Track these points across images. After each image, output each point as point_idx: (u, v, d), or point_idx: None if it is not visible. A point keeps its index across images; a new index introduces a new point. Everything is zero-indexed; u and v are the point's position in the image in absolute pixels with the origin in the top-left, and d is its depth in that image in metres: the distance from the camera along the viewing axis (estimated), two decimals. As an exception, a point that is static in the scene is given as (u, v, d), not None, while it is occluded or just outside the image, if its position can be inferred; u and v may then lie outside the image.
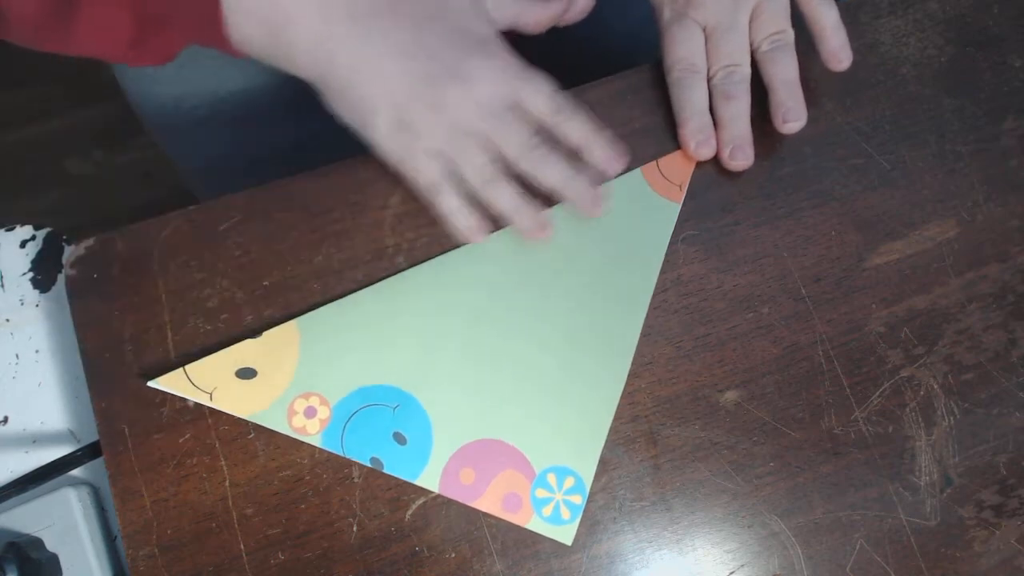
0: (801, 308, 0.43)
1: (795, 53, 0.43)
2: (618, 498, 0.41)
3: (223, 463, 0.40)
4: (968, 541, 0.41)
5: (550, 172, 0.40)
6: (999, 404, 0.42)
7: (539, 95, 0.40)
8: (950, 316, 0.43)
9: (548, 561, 0.40)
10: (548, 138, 0.40)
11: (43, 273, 0.48)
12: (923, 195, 0.44)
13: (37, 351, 0.50)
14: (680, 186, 0.43)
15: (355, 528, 0.40)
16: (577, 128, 0.40)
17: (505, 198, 0.40)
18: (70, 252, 0.43)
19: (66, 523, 0.47)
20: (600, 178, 0.41)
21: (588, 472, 0.41)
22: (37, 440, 0.50)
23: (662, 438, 0.41)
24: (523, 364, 0.41)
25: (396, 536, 0.40)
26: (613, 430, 0.41)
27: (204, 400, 0.40)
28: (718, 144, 0.43)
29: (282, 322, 0.41)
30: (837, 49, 0.42)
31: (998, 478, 0.41)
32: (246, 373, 0.40)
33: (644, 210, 0.43)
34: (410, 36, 0.39)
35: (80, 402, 0.47)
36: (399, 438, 0.40)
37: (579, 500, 0.40)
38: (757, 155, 0.43)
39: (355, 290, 0.42)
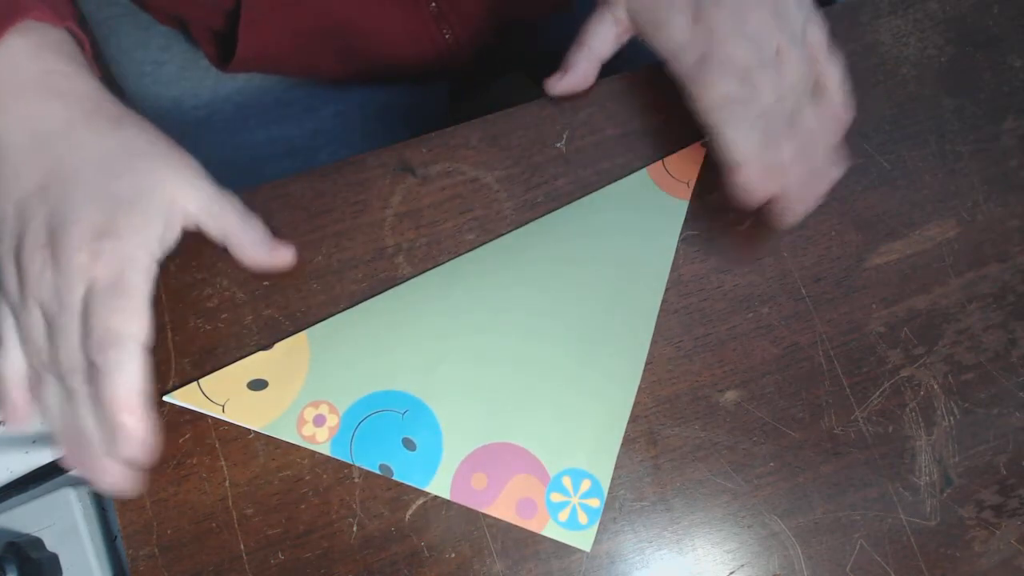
0: (801, 308, 0.43)
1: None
2: (618, 498, 0.41)
3: (223, 463, 0.40)
4: (968, 541, 0.41)
5: (79, 418, 0.34)
6: (999, 404, 0.42)
7: (104, 313, 0.33)
8: (950, 316, 0.43)
9: (548, 561, 0.40)
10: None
11: (43, 273, 0.48)
12: (923, 195, 0.44)
13: (37, 351, 0.50)
14: (688, 183, 0.43)
15: (355, 528, 0.40)
16: (104, 387, 0.33)
17: (45, 398, 0.35)
18: (70, 252, 0.43)
19: (66, 523, 0.47)
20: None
21: (605, 474, 0.40)
22: (37, 440, 0.50)
23: (662, 438, 0.41)
24: (535, 366, 0.41)
25: (396, 536, 0.40)
26: (613, 430, 0.41)
27: (217, 413, 0.40)
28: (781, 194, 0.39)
29: (282, 323, 0.41)
30: (838, 116, 0.40)
31: (998, 478, 0.41)
32: (257, 385, 0.40)
33: (652, 209, 0.43)
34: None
35: (80, 402, 0.46)
36: (408, 444, 0.40)
37: (597, 504, 0.40)
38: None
39: (355, 290, 0.42)
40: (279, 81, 0.56)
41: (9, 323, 0.36)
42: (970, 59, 0.46)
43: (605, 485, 0.40)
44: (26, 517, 0.48)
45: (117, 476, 0.35)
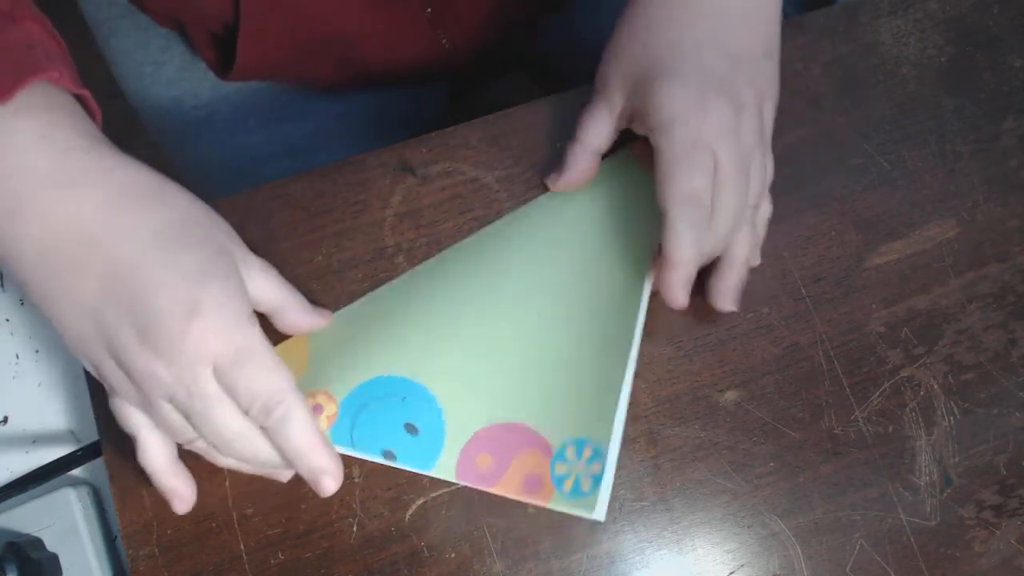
0: (801, 308, 0.43)
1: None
2: (618, 498, 0.41)
3: (223, 463, 0.40)
4: (968, 541, 0.41)
5: (256, 467, 0.36)
6: (999, 404, 0.42)
7: (248, 380, 0.33)
8: (950, 316, 0.43)
9: (548, 561, 0.40)
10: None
11: (43, 273, 0.48)
12: (923, 195, 0.44)
13: (37, 351, 0.50)
14: None
15: (355, 528, 0.40)
16: (282, 443, 0.34)
17: (222, 460, 0.36)
18: (70, 252, 0.43)
19: (66, 523, 0.47)
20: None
21: (605, 438, 0.38)
22: (37, 440, 0.50)
23: (662, 438, 0.41)
24: (531, 343, 0.40)
25: (396, 536, 0.40)
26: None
27: None
28: (718, 281, 0.40)
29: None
30: (756, 251, 0.41)
31: (998, 478, 0.41)
32: None
33: (638, 184, 0.43)
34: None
35: (80, 402, 0.47)
36: (410, 429, 0.39)
37: (598, 469, 0.38)
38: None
39: (355, 290, 0.42)
40: (278, 82, 0.56)
41: (135, 420, 0.35)
42: (970, 59, 0.46)
43: (607, 449, 0.38)
44: (26, 517, 0.48)
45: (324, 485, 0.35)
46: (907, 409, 0.42)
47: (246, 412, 0.33)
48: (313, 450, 0.34)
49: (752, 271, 0.43)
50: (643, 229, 0.42)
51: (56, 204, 0.31)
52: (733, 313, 0.42)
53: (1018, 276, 0.43)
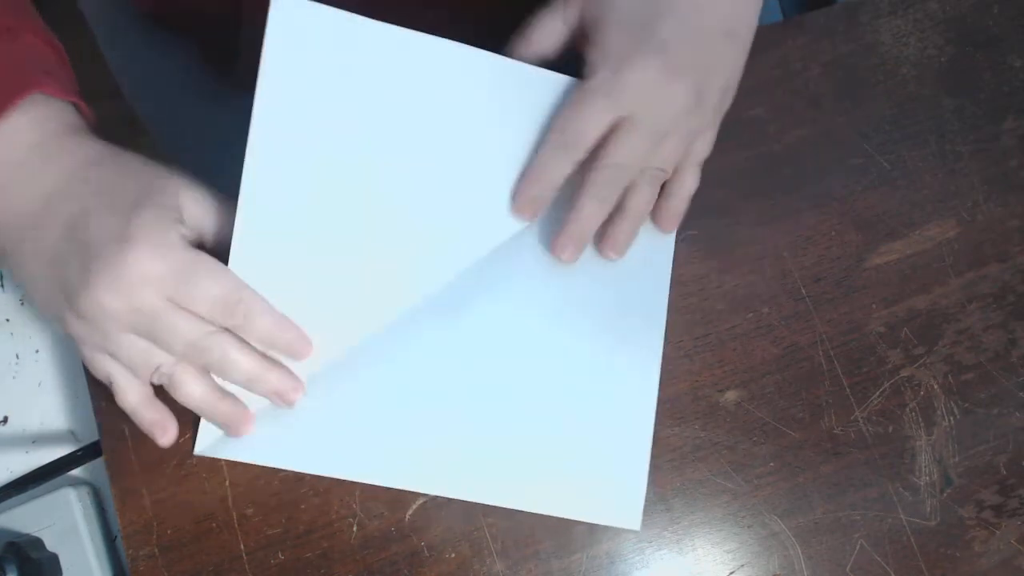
0: (801, 308, 0.43)
1: (656, 195, 0.40)
2: (618, 498, 0.41)
3: (223, 463, 0.40)
4: (968, 541, 0.41)
5: (230, 373, 0.36)
6: (999, 404, 0.42)
7: (201, 292, 0.35)
8: (950, 316, 0.43)
9: (548, 561, 0.40)
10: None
11: (43, 273, 0.48)
12: (923, 195, 0.44)
13: (37, 351, 0.50)
14: None
15: (355, 528, 0.40)
16: (252, 335, 0.36)
17: (191, 396, 0.37)
18: (70, 252, 0.43)
19: (66, 523, 0.47)
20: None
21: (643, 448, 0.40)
22: (37, 440, 0.50)
23: (662, 438, 0.41)
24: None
25: (396, 536, 0.40)
26: (613, 430, 0.41)
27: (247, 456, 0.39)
28: (561, 229, 0.39)
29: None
30: (672, 212, 0.40)
31: (998, 478, 0.41)
32: None
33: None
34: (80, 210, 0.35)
35: (80, 402, 0.47)
36: None
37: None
38: (756, 155, 0.43)
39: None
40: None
41: (106, 366, 0.36)
42: (970, 59, 0.46)
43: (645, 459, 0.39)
44: (26, 517, 0.48)
45: (287, 385, 0.37)
46: (907, 409, 0.42)
47: (210, 320, 0.35)
48: (282, 328, 0.36)
49: (752, 271, 0.43)
50: (658, 258, 0.42)
51: (26, 179, 0.35)
52: (733, 313, 0.42)
53: (1018, 276, 0.43)
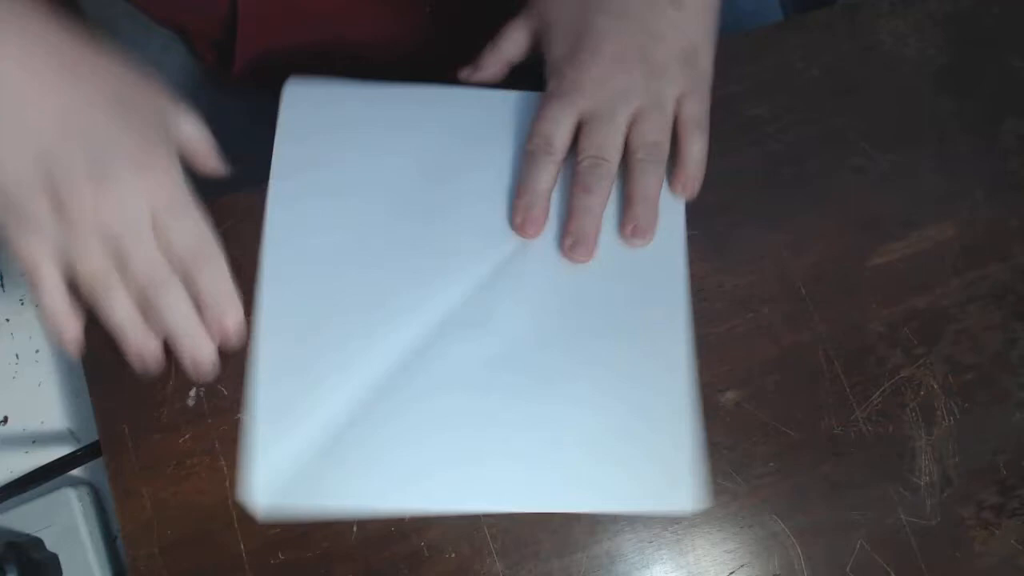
0: (801, 308, 0.43)
1: (664, 171, 0.40)
2: (618, 498, 0.40)
3: (223, 463, 0.40)
4: (968, 541, 0.41)
5: (167, 313, 0.37)
6: (999, 404, 0.42)
7: (182, 228, 0.37)
8: (950, 316, 0.43)
9: (548, 561, 0.40)
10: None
11: (43, 273, 0.48)
12: (923, 195, 0.44)
13: (37, 351, 0.50)
14: None
15: (355, 528, 0.40)
16: (204, 282, 0.37)
17: (116, 312, 0.37)
18: (70, 252, 0.43)
19: (66, 523, 0.47)
20: (219, 338, 0.38)
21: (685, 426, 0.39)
22: (37, 440, 0.50)
23: (662, 438, 0.41)
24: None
25: (396, 536, 0.40)
26: (613, 430, 0.41)
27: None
28: (563, 232, 0.40)
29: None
30: (689, 178, 0.41)
31: (998, 478, 0.41)
32: None
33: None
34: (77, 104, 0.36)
35: (80, 402, 0.47)
36: None
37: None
38: (756, 155, 0.43)
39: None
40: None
41: (39, 257, 0.36)
42: (970, 59, 0.46)
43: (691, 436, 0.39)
44: (26, 517, 0.48)
45: (207, 355, 0.38)
46: (907, 409, 0.42)
47: (177, 254, 0.37)
48: (227, 294, 0.38)
49: (752, 271, 0.43)
50: (670, 257, 0.42)
51: (24, 45, 0.35)
52: (733, 313, 0.42)
53: (1018, 276, 0.43)
